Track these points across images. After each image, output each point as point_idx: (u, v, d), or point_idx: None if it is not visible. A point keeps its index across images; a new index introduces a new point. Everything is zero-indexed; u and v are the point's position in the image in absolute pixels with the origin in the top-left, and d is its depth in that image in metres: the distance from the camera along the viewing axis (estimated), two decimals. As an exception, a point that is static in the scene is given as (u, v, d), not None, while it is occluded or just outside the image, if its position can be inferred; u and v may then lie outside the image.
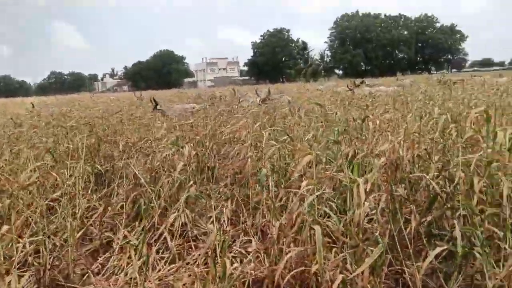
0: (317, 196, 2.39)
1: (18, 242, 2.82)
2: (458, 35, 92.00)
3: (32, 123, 8.08)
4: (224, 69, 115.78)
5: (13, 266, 2.18)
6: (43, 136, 6.28)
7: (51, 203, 3.47)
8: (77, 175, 3.98)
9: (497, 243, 2.56)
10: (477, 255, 2.28)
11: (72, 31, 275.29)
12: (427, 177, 2.69)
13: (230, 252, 3.38)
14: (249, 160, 4.33)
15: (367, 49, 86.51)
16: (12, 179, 3.38)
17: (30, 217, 3.27)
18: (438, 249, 2.17)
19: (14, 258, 2.23)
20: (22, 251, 2.87)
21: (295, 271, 2.32)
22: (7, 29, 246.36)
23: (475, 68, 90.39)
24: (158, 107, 9.81)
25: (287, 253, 2.43)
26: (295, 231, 2.58)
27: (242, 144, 4.49)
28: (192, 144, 4.77)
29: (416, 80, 21.53)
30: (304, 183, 2.44)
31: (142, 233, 3.51)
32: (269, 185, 3.36)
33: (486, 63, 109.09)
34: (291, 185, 3.10)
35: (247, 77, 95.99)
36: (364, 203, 2.22)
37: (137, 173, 4.01)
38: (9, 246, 2.91)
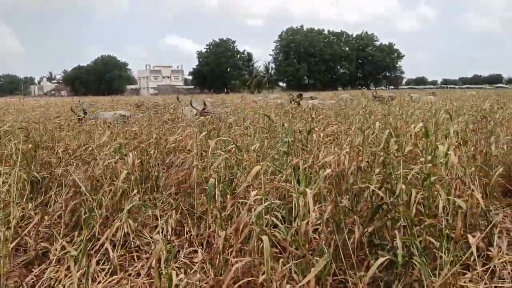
0: (265, 206, 2.40)
1: None
2: (396, 54, 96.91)
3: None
4: (168, 77, 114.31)
5: None
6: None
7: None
8: (11, 182, 3.76)
9: (433, 252, 2.70)
10: (417, 264, 2.39)
11: (7, 33, 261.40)
12: (372, 187, 2.79)
13: (175, 263, 3.31)
14: (194, 169, 4.29)
15: (310, 63, 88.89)
16: None
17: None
18: (381, 259, 2.25)
19: None
20: None
21: (241, 281, 2.31)
22: None
23: (411, 86, 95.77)
24: (86, 116, 9.42)
25: (233, 264, 2.42)
26: (242, 241, 2.57)
27: (188, 153, 4.44)
28: (136, 152, 4.64)
29: (356, 95, 22.36)
30: (253, 193, 2.45)
31: (82, 243, 3.37)
32: (215, 195, 3.33)
33: (421, 82, 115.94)
34: (237, 195, 3.10)
35: (191, 86, 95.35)
36: (311, 213, 2.26)
37: (77, 180, 3.84)
38: None
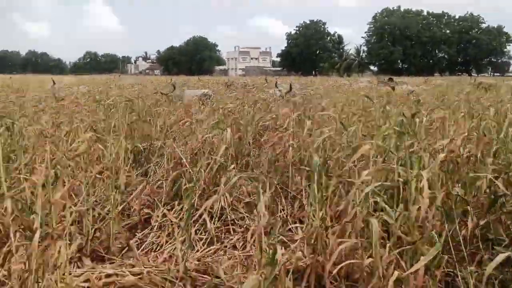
0: (374, 187, 2.28)
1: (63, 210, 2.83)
2: (505, 37, 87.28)
3: (72, 99, 8.19)
4: (256, 58, 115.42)
5: (64, 233, 2.17)
6: (84, 111, 6.34)
7: (98, 175, 3.49)
8: (118, 151, 3.98)
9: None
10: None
11: (109, 12, 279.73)
12: (489, 176, 2.55)
13: (270, 239, 3.32)
14: (290, 148, 4.26)
15: (405, 46, 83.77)
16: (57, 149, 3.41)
17: (74, 188, 3.28)
18: (501, 256, 2.04)
19: (65, 225, 2.23)
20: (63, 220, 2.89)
21: (344, 263, 2.23)
22: (45, 6, 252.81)
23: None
24: (175, 92, 9.72)
25: (335, 245, 2.35)
26: (343, 223, 2.50)
27: (285, 131, 4.41)
28: (232, 129, 4.71)
29: (455, 82, 20.90)
30: (364, 172, 2.34)
31: (183, 213, 3.51)
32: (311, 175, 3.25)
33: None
34: (341, 175, 3.01)
35: (279, 68, 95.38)
36: (425, 199, 2.11)
37: (179, 153, 3.99)
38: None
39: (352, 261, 2.27)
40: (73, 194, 3.32)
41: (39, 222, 2.03)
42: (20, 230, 2.15)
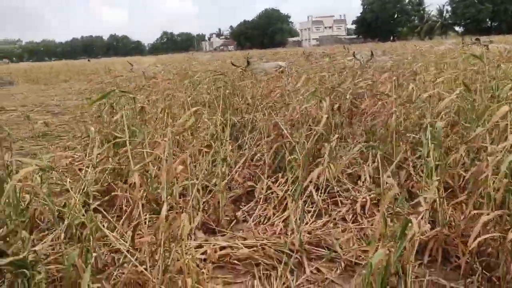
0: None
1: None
2: None
3: (162, 77, 8.44)
4: (330, 27, 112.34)
5: (188, 206, 2.19)
6: (175, 87, 6.48)
7: (204, 148, 3.53)
8: (217, 124, 4.00)
9: None
10: None
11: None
12: None
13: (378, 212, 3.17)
14: (393, 116, 4.02)
15: (495, 2, 76.37)
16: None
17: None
18: None
19: (189, 198, 2.25)
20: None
21: (482, 237, 2.03)
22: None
23: None
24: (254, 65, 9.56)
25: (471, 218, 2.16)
26: (476, 194, 2.28)
27: (387, 97, 4.16)
28: (329, 98, 4.53)
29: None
30: (511, 137, 2.10)
31: (288, 185, 3.45)
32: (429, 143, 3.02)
33: None
34: (468, 142, 2.77)
35: (354, 36, 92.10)
36: None
37: (280, 124, 3.91)
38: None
39: (493, 234, 2.06)
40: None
41: (165, 195, 2.05)
42: (146, 203, 2.19)
